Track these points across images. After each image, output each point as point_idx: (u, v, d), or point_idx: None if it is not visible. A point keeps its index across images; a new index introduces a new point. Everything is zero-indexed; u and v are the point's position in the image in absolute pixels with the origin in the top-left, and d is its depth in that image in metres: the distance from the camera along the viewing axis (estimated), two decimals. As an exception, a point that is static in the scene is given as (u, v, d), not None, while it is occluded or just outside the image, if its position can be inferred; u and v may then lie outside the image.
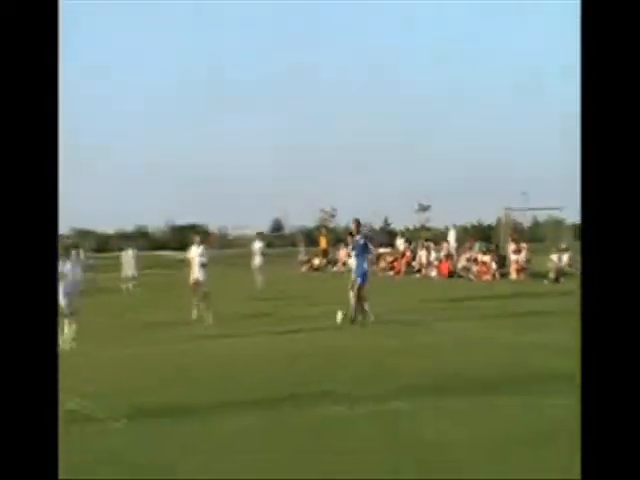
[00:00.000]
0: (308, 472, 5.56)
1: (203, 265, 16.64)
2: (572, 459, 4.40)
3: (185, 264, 18.52)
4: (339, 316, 14.76)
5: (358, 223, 16.26)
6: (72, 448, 5.88)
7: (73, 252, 15.53)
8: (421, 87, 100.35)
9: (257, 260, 25.82)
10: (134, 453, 6.23)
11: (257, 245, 26.46)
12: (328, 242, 39.81)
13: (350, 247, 16.38)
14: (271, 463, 5.83)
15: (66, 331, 12.64)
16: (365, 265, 15.50)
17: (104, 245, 67.19)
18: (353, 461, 5.82)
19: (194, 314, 16.28)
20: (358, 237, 15.80)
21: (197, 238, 17.58)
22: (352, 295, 15.17)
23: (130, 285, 25.97)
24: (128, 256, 26.65)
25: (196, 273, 16.71)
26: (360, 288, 15.15)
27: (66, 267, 12.84)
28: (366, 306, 15.12)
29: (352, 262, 15.95)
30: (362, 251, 15.59)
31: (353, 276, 15.43)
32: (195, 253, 17.03)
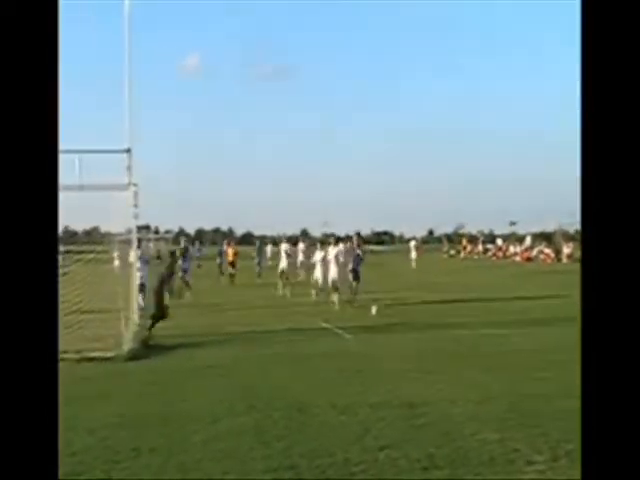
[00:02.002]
0: (446, 358, 11.42)
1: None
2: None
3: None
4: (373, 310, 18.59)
5: (358, 236, 23.26)
6: (321, 345, 13.13)
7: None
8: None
9: (412, 252, 51.26)
10: (352, 348, 12.83)
11: (412, 243, 54.78)
12: (468, 241, 76.99)
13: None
14: (431, 352, 12.05)
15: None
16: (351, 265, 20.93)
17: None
18: (471, 356, 11.61)
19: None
20: (341, 246, 21.37)
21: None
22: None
23: None
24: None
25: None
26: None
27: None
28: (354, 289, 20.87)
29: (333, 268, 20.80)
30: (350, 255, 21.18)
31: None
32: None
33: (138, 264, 14.85)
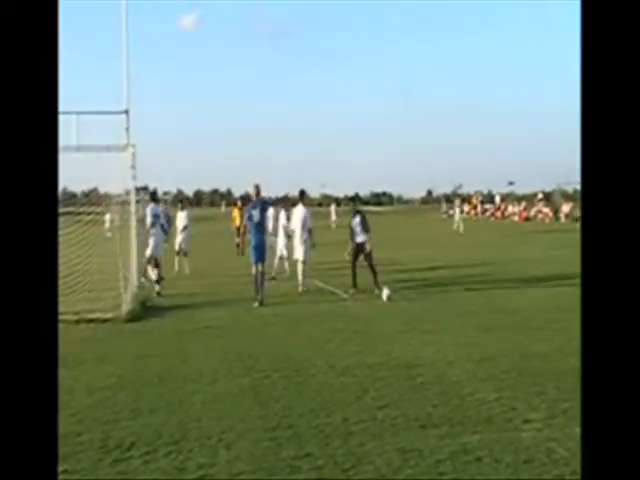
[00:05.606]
0: (444, 318, 11.60)
1: None
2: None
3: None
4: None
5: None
6: (318, 306, 13.15)
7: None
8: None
9: (457, 214, 47.97)
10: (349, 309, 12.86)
11: (457, 209, 50.43)
12: (477, 202, 73.95)
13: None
14: (427, 312, 12.25)
15: None
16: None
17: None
18: (469, 316, 11.64)
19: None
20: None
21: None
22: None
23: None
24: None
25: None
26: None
27: None
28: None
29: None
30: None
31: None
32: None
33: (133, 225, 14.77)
